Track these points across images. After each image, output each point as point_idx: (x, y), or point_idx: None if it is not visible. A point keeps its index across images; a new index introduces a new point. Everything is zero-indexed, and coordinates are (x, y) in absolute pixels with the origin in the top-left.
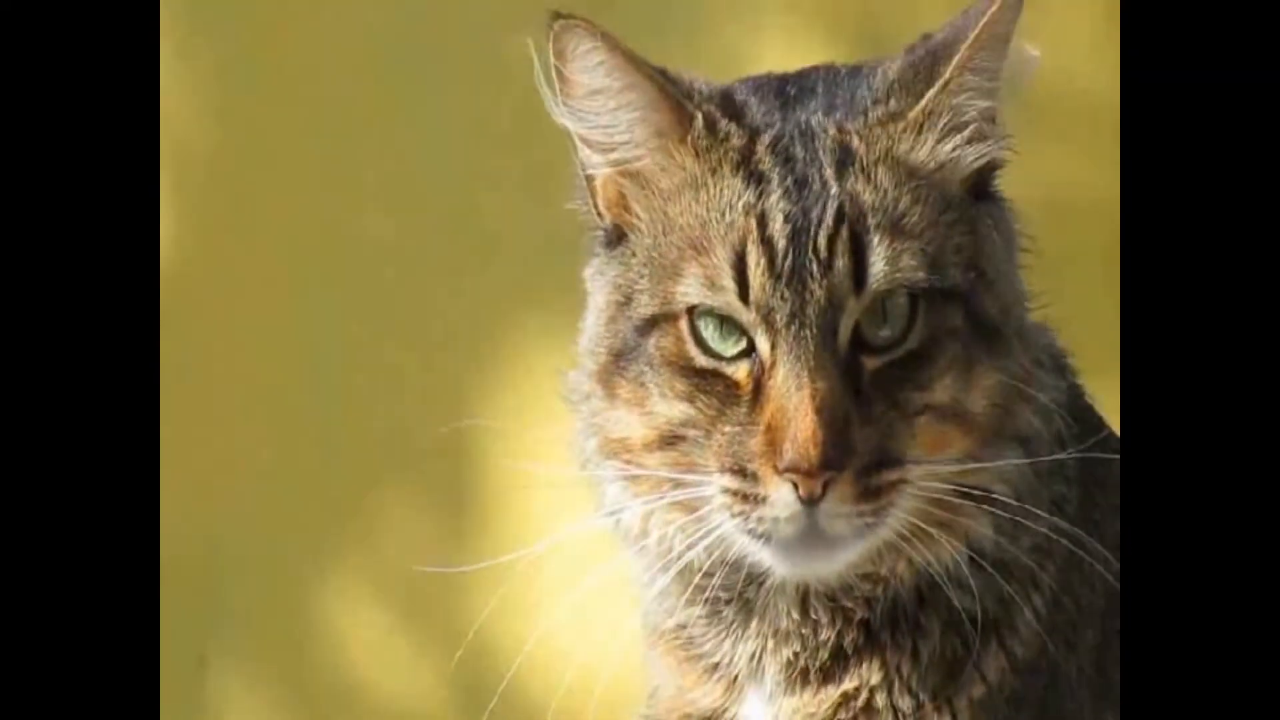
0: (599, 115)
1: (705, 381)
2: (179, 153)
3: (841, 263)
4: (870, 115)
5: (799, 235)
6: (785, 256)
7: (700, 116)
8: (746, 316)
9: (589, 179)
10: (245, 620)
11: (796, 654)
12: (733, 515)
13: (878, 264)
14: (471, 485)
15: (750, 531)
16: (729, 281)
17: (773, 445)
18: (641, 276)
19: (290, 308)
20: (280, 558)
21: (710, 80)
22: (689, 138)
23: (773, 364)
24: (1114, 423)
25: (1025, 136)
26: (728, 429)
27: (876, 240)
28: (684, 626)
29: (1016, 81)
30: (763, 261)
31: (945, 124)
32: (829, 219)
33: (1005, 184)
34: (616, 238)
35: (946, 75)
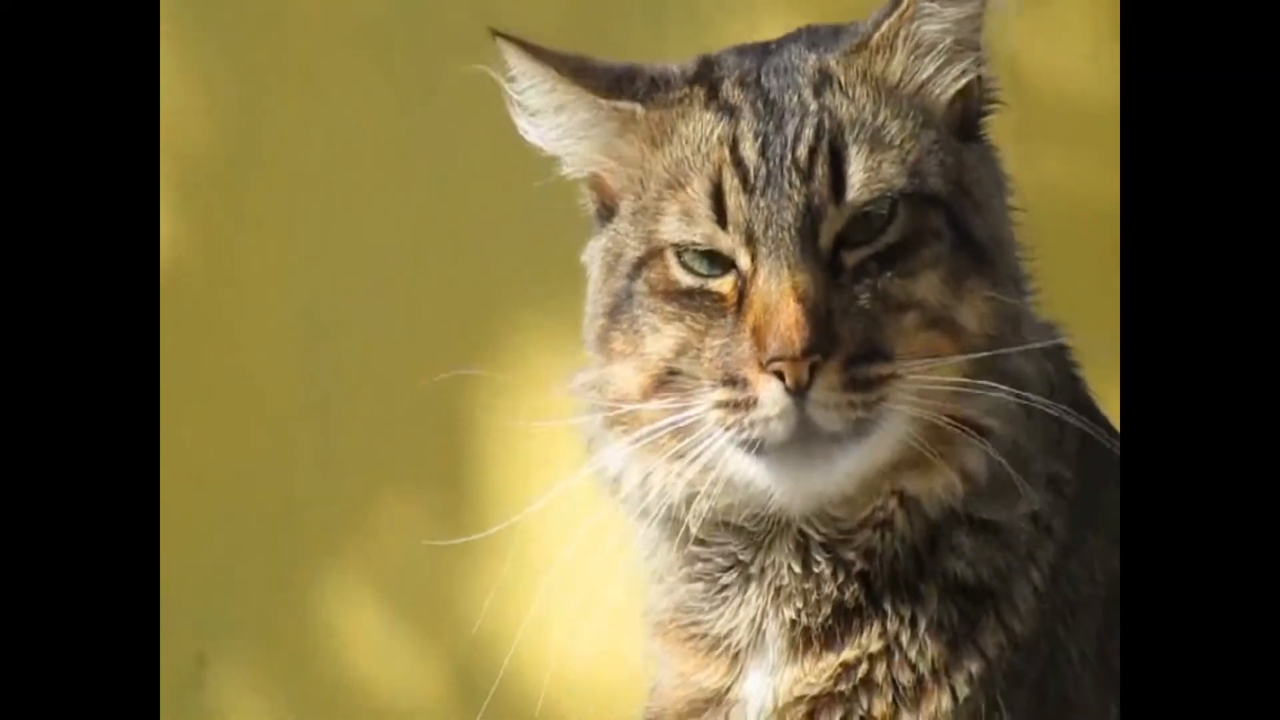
0: (553, 126)
1: (693, 300)
2: (179, 153)
3: (821, 172)
4: (846, 46)
5: (772, 149)
6: (758, 171)
7: (639, 108)
8: (726, 243)
9: (565, 171)
10: (245, 620)
11: (799, 611)
12: (726, 429)
13: (857, 174)
14: (472, 485)
15: (744, 443)
16: (705, 210)
17: (759, 343)
18: (628, 234)
19: (290, 307)
20: (280, 558)
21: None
22: (633, 127)
23: (754, 271)
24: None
25: (1025, 137)
26: (716, 342)
27: (855, 151)
28: (684, 608)
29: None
30: (736, 182)
31: (912, 46)
32: (808, 133)
33: None
34: (607, 214)
35: (904, 4)
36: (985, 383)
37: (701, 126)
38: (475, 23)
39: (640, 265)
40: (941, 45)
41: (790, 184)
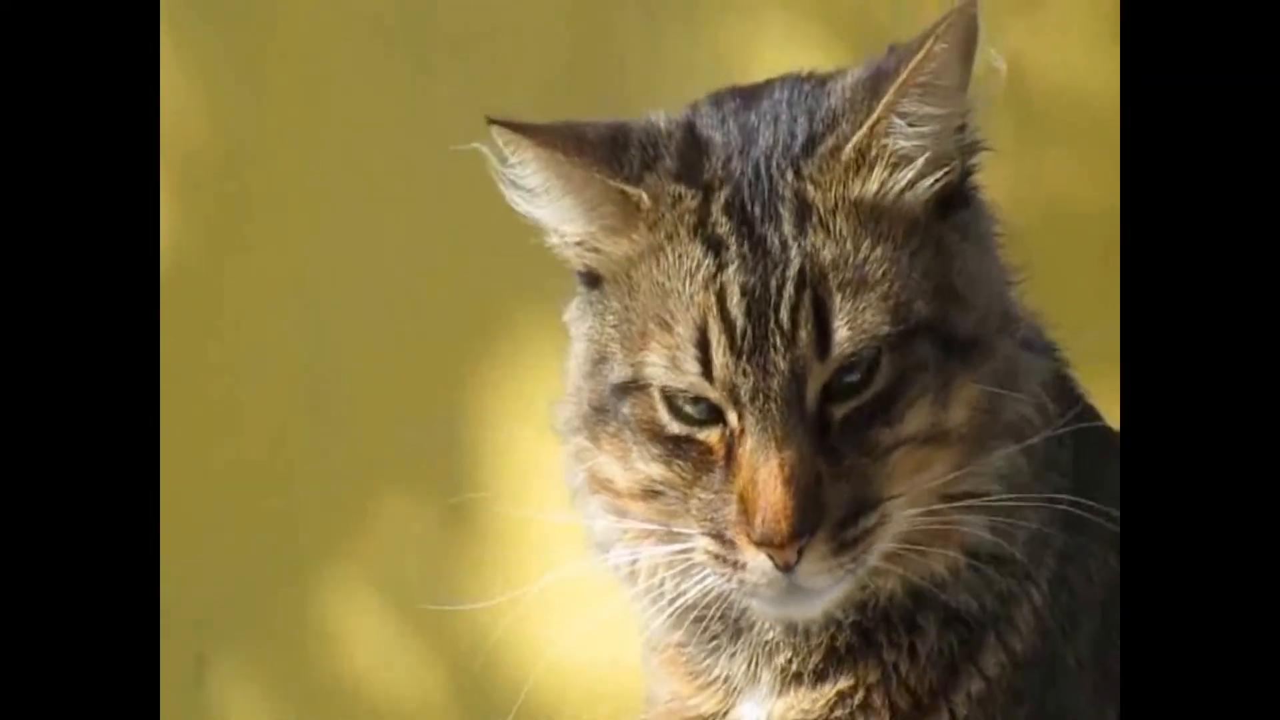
0: (546, 209)
1: (679, 448)
2: (179, 153)
3: (804, 332)
4: (819, 150)
5: (759, 307)
6: (745, 333)
7: (644, 196)
8: (713, 393)
9: (551, 243)
10: (245, 620)
11: (789, 659)
12: (716, 574)
13: (842, 329)
14: (474, 485)
15: (734, 590)
16: (692, 362)
17: (746, 515)
18: (612, 340)
19: (291, 308)
20: (280, 558)
21: (673, 116)
22: (638, 217)
23: (741, 433)
24: (1113, 423)
25: (1025, 137)
26: (704, 495)
27: (839, 302)
28: (680, 645)
29: (981, 96)
30: (723, 340)
31: (887, 160)
32: (790, 288)
33: (1006, 185)
34: (592, 280)
35: (875, 115)
36: (981, 458)
37: (688, 260)
38: (475, 22)
39: (625, 390)
40: (918, 157)
41: (775, 348)
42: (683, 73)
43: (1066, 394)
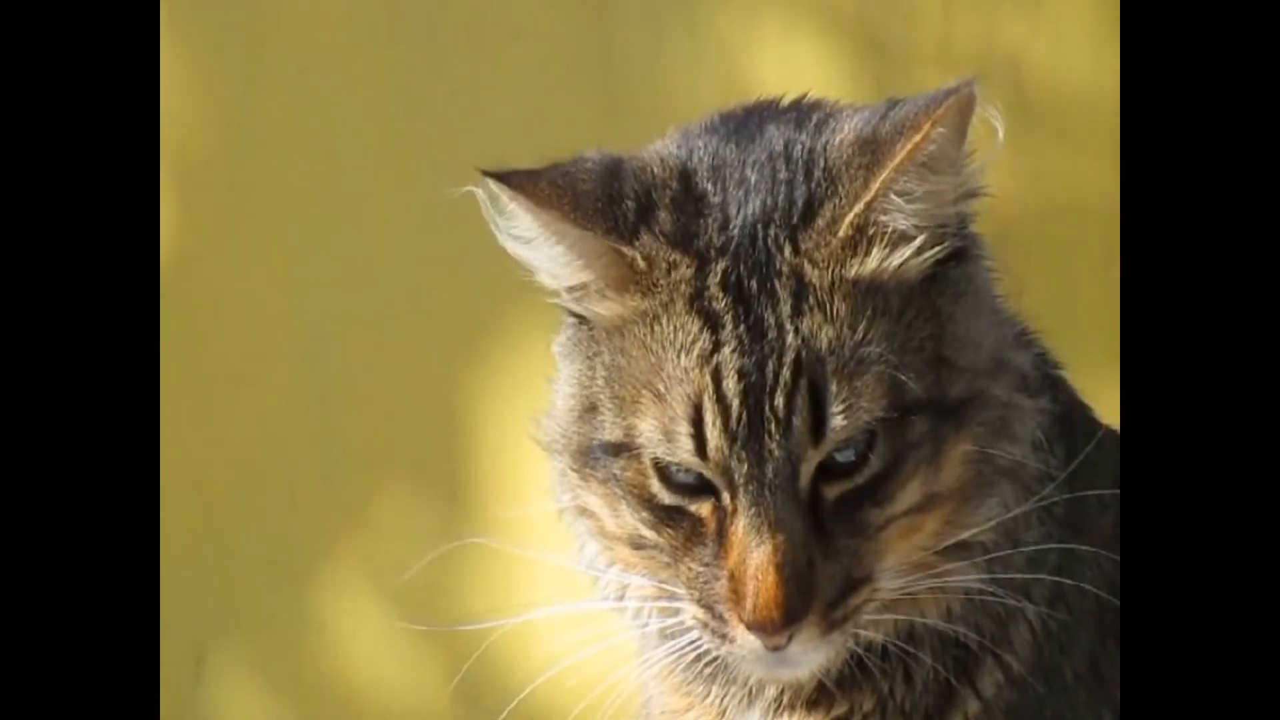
0: (540, 259)
1: (670, 516)
2: (179, 153)
3: (799, 420)
4: (817, 223)
5: (755, 392)
6: (740, 418)
7: (639, 258)
8: (705, 470)
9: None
10: (245, 619)
11: (781, 691)
12: (705, 638)
13: (837, 416)
14: (472, 483)
15: (723, 655)
16: (686, 440)
17: (736, 595)
18: (603, 393)
19: (290, 307)
20: (280, 557)
21: (667, 154)
22: (631, 281)
23: (734, 512)
24: (1113, 422)
25: (1025, 137)
26: (694, 566)
27: (835, 388)
28: (674, 670)
29: (981, 158)
30: (718, 422)
31: (885, 239)
32: (786, 374)
33: (1006, 186)
34: (581, 319)
35: (871, 193)
36: (972, 510)
37: (683, 333)
38: (475, 22)
39: (616, 450)
40: (917, 235)
41: (769, 435)
42: (683, 70)
43: (1070, 428)
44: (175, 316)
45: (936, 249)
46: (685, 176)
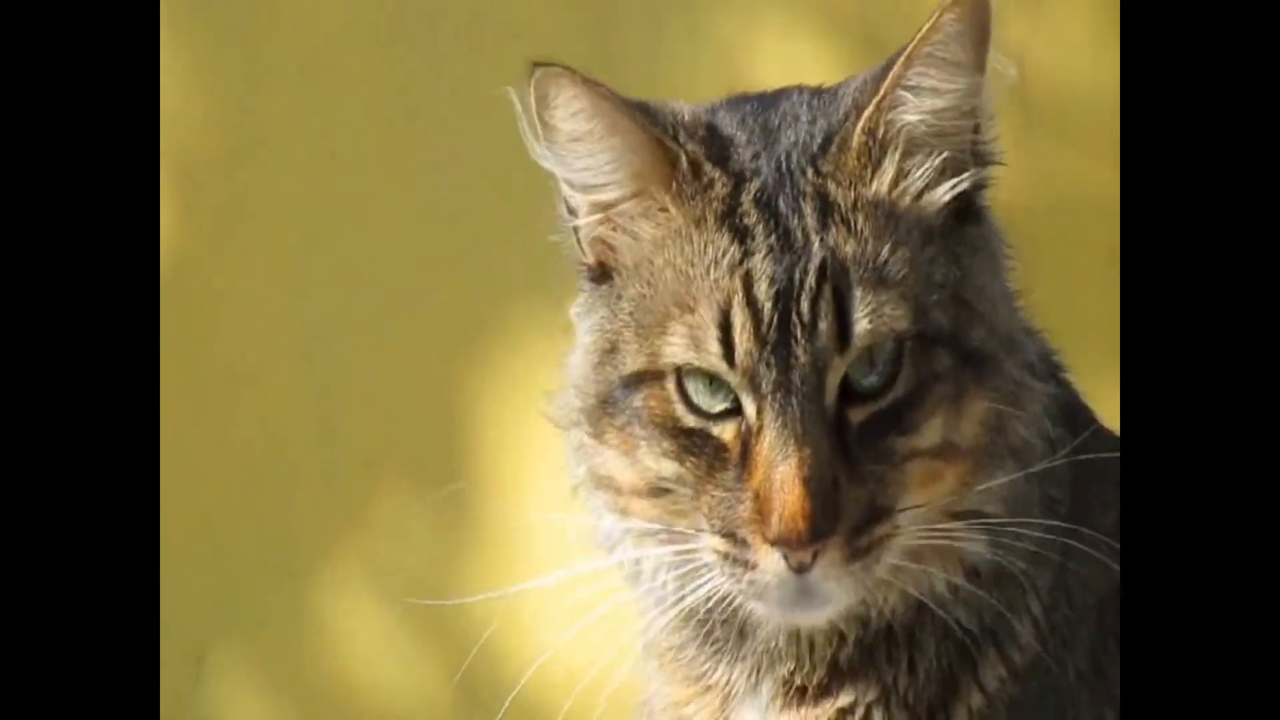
0: (582, 160)
1: (693, 442)
2: (179, 153)
3: (825, 324)
4: (835, 145)
5: (783, 297)
6: (770, 322)
7: (684, 158)
8: (732, 378)
9: (571, 223)
10: (244, 619)
11: (791, 671)
12: (724, 574)
13: (861, 321)
14: (472, 483)
15: (742, 591)
16: (714, 344)
17: (761, 514)
18: (626, 327)
19: (290, 307)
20: (280, 557)
21: (694, 109)
22: (673, 184)
23: (759, 428)
24: (1114, 422)
25: (1025, 136)
26: (716, 492)
27: (859, 295)
28: (681, 647)
29: (991, 97)
30: (748, 325)
31: (897, 141)
32: (811, 279)
33: (1006, 184)
34: (601, 275)
35: (882, 90)
36: (984, 478)
37: (714, 247)
38: (475, 22)
39: (639, 381)
40: (929, 141)
41: (796, 339)
42: (683, 70)
43: (1070, 418)
44: (175, 316)
45: (952, 178)
46: (712, 125)
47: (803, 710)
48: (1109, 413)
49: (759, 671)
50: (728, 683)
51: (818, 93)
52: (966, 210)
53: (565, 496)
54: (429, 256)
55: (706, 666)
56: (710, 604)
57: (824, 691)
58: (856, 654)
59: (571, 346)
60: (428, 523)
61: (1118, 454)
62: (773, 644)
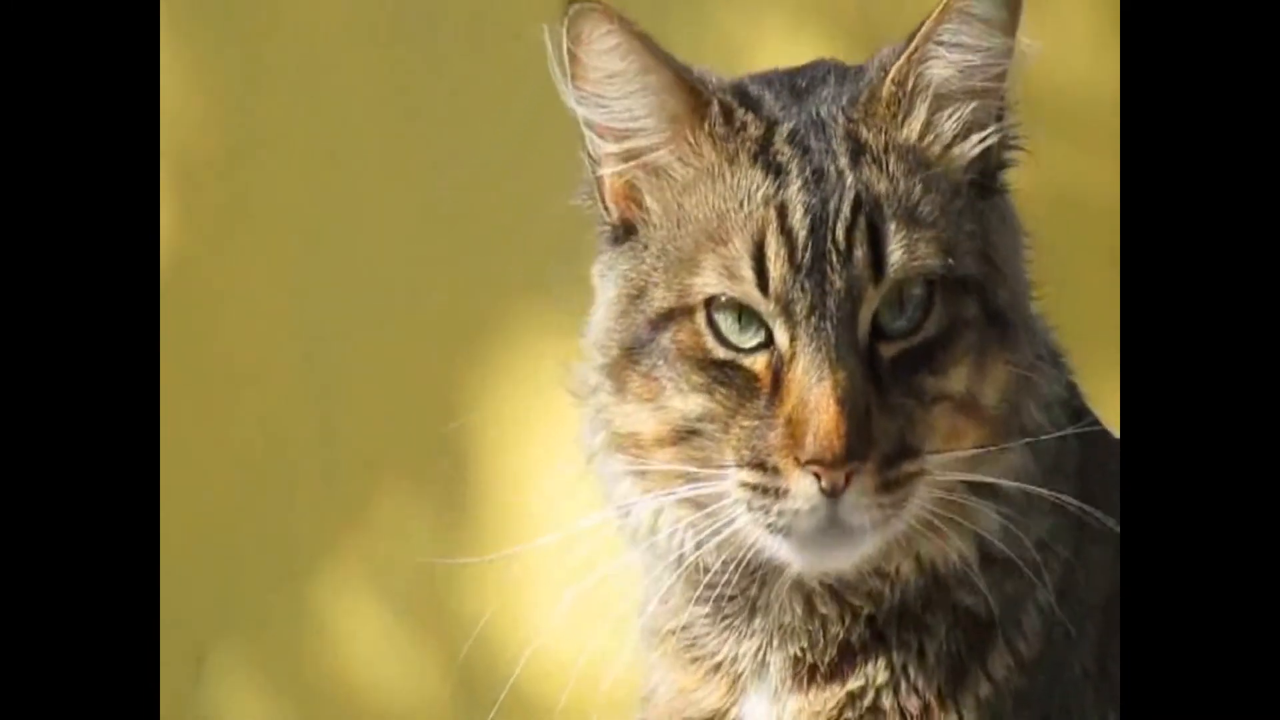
0: (614, 100)
1: (723, 374)
2: (179, 153)
3: (860, 252)
4: (865, 96)
5: (818, 226)
6: (805, 248)
7: (717, 103)
8: (765, 307)
9: (597, 174)
10: (244, 619)
11: (803, 650)
12: (751, 509)
13: (896, 252)
14: (472, 482)
15: (770, 526)
16: (748, 271)
17: (794, 438)
18: (655, 269)
19: (290, 306)
20: (280, 556)
21: (720, 76)
22: (705, 125)
23: (792, 356)
24: (1114, 422)
25: (1026, 136)
26: (746, 422)
27: (894, 229)
28: (687, 627)
29: (1011, 72)
30: (783, 252)
31: (926, 91)
32: (846, 209)
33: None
34: (624, 233)
35: (913, 45)
36: (1001, 449)
37: (748, 182)
38: (475, 22)
39: (668, 319)
40: (958, 96)
41: (831, 266)
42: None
43: (1074, 405)
44: (175, 316)
45: (978, 132)
46: (739, 85)
47: (812, 693)
48: (1109, 413)
49: (767, 648)
50: (735, 660)
51: (843, 66)
52: (990, 186)
53: (565, 495)
54: (429, 256)
55: (712, 643)
56: (727, 562)
57: (834, 673)
58: (868, 633)
59: (592, 311)
60: (428, 523)
61: (1117, 451)
62: (785, 618)
